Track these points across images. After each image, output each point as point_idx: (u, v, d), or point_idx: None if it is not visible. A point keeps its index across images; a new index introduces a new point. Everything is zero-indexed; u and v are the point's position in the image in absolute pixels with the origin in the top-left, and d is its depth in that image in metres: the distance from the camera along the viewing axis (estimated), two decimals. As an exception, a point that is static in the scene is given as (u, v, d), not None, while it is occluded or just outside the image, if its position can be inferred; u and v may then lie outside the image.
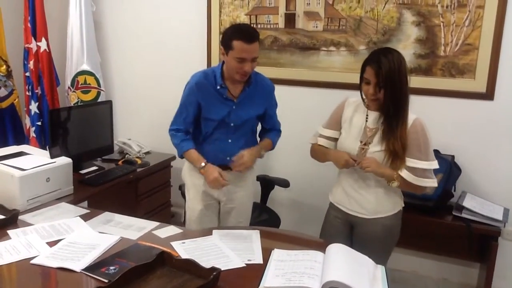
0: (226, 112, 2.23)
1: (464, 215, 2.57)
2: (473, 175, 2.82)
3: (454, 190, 2.77)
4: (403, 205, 2.12)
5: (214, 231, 2.06)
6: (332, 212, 2.23)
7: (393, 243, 2.14)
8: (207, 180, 2.19)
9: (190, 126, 2.33)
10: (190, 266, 1.66)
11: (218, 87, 2.20)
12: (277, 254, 1.81)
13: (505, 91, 2.69)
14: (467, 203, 2.61)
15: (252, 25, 3.22)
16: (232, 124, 2.26)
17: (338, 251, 1.76)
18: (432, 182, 2.01)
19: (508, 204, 2.73)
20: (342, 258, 1.70)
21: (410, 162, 1.96)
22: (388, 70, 1.87)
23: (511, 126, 2.71)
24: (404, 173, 1.98)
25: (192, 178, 2.40)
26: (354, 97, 2.12)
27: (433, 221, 2.62)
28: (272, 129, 2.44)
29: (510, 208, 2.70)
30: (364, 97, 2.03)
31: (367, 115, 2.04)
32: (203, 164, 2.21)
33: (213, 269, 1.60)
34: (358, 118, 2.07)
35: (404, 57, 1.96)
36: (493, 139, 2.76)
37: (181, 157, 2.35)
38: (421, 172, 1.98)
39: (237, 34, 2.07)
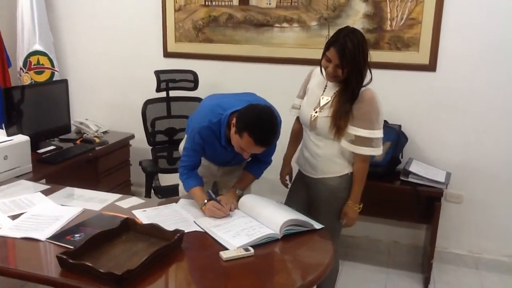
0: (229, 158, 2.20)
1: (410, 179, 2.74)
2: (419, 142, 3.01)
3: (402, 157, 2.95)
4: (351, 171, 2.16)
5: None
6: (297, 174, 2.38)
7: (338, 206, 2.20)
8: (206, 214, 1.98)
9: (199, 164, 2.22)
10: (154, 230, 1.73)
11: (223, 143, 2.07)
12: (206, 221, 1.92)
13: (446, 63, 2.87)
14: (413, 168, 2.79)
15: (206, 3, 3.26)
16: (233, 164, 2.30)
17: (257, 200, 2.05)
18: (371, 151, 2.06)
19: (449, 169, 2.92)
20: (267, 204, 2.01)
21: (353, 130, 2.04)
22: (352, 52, 1.95)
23: (452, 95, 2.90)
24: (343, 143, 2.08)
25: None
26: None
27: (383, 186, 2.78)
28: (260, 160, 2.24)
29: (452, 172, 2.90)
30: (323, 71, 2.11)
31: (325, 85, 2.15)
32: (205, 201, 2.00)
33: (176, 231, 1.69)
34: (318, 88, 2.18)
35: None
36: (436, 108, 2.95)
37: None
38: (362, 140, 2.04)
39: (252, 131, 1.84)
